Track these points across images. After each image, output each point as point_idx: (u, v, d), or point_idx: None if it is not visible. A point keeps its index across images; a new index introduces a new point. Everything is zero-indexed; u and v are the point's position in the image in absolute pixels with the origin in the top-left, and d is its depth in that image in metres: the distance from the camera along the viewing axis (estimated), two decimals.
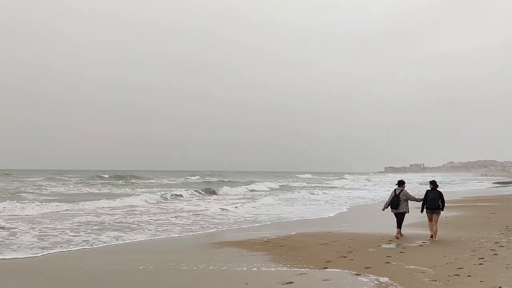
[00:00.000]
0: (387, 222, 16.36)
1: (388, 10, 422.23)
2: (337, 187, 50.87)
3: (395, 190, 13.06)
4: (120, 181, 56.24)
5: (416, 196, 13.44)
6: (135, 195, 30.06)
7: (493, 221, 16.27)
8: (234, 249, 11.07)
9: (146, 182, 55.54)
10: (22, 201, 22.77)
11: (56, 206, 21.32)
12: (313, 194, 36.86)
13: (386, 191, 39.72)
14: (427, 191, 12.54)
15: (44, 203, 22.52)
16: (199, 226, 15.96)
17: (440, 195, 12.31)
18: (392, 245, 11.24)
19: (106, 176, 63.43)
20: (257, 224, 16.88)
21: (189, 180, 63.54)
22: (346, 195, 37.00)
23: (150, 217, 18.36)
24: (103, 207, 21.88)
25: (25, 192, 33.68)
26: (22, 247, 11.35)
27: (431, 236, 12.12)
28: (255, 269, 8.81)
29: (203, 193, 34.61)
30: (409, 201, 12.92)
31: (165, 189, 39.00)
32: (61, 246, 11.60)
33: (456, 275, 7.81)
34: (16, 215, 17.87)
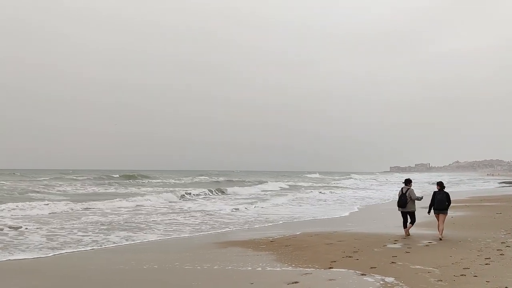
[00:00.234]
0: (392, 222, 16.32)
1: (389, 10, 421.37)
2: (346, 187, 50.57)
3: (402, 189, 13.20)
4: (130, 181, 56.26)
5: (418, 195, 13.43)
6: (151, 194, 30.22)
7: (499, 221, 16.19)
8: (239, 249, 11.08)
9: (158, 182, 55.04)
10: (32, 201, 22.85)
11: (72, 205, 21.34)
12: (324, 193, 36.71)
13: (395, 191, 39.59)
14: (435, 192, 12.67)
15: (55, 202, 22.35)
16: (210, 226, 15.90)
17: (447, 196, 12.47)
18: (397, 245, 11.21)
19: (116, 175, 63.04)
20: (268, 224, 16.75)
21: (196, 179, 63.18)
22: (356, 195, 36.74)
23: (161, 217, 18.22)
24: (120, 207, 22.10)
25: (33, 191, 33.43)
26: (30, 247, 11.34)
27: (440, 239, 12.14)
28: (259, 268, 8.81)
29: (216, 193, 34.40)
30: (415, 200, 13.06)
31: (178, 188, 38.87)
32: (70, 247, 11.63)
33: (462, 275, 7.78)
34: (26, 215, 17.81)
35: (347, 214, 20.92)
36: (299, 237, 12.82)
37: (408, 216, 12.98)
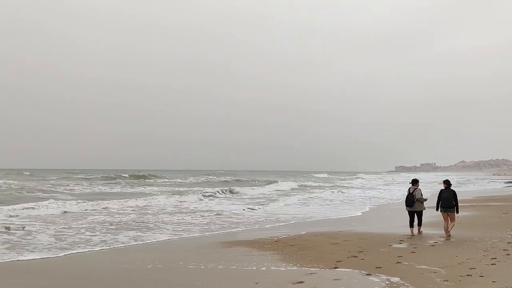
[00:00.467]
0: (398, 222, 16.29)
1: (389, 10, 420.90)
2: (355, 187, 50.38)
3: (409, 188, 13.39)
4: (140, 180, 56.33)
5: (423, 197, 13.52)
6: (166, 194, 30.43)
7: (505, 221, 16.09)
8: (244, 249, 11.07)
9: (169, 182, 55.05)
10: (42, 200, 22.96)
11: (84, 204, 21.47)
12: (335, 193, 36.59)
13: (403, 191, 39.43)
14: (441, 190, 12.83)
15: (68, 202, 22.42)
16: (219, 226, 15.84)
17: (454, 194, 12.54)
18: (403, 245, 11.17)
19: (125, 175, 62.61)
20: (279, 224, 16.66)
21: (203, 179, 62.81)
22: (366, 194, 36.54)
23: (170, 217, 18.18)
24: (136, 206, 22.49)
25: (44, 191, 33.49)
26: (38, 247, 11.33)
27: (447, 236, 12.22)
28: (264, 268, 8.80)
29: (228, 193, 34.18)
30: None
31: (195, 188, 39.00)
32: (79, 247, 11.67)
33: (468, 275, 7.73)
34: (35, 215, 17.80)
35: (359, 213, 20.90)
36: (304, 237, 12.80)
37: (416, 216, 13.08)
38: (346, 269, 8.46)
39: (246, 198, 30.43)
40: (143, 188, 40.48)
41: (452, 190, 12.65)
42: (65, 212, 19.28)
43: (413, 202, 13.04)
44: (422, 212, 13.16)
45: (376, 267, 8.50)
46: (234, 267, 8.96)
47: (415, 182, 13.46)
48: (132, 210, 20.67)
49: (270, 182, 53.15)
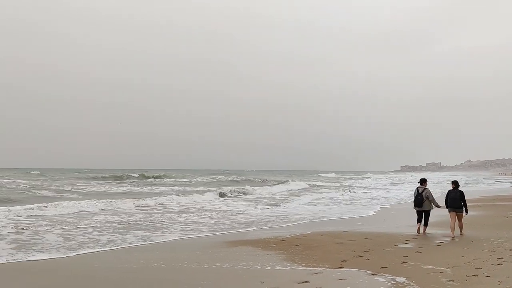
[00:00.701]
0: (404, 221, 16.25)
1: (389, 10, 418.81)
2: (365, 186, 50.20)
3: (417, 188, 13.46)
4: (152, 179, 56.37)
5: (436, 201, 13.59)
6: (181, 193, 30.49)
7: None
8: (249, 248, 11.07)
9: (179, 181, 54.92)
10: (53, 200, 23.05)
11: (93, 204, 21.41)
12: (346, 193, 36.53)
13: (413, 190, 39.25)
14: (449, 190, 12.98)
15: (81, 201, 22.18)
16: (229, 226, 15.80)
17: (461, 194, 12.68)
18: (409, 245, 11.13)
19: (136, 175, 62.16)
20: (291, 224, 16.60)
21: (209, 178, 62.75)
22: (376, 194, 36.22)
23: (178, 217, 18.11)
24: (157, 204, 22.91)
25: (55, 190, 33.48)
26: (45, 246, 11.33)
27: (452, 236, 12.29)
28: (269, 268, 8.79)
29: (240, 192, 33.87)
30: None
31: (204, 188, 39.02)
32: (88, 247, 11.70)
33: (474, 275, 7.69)
34: (44, 215, 17.80)
35: (372, 213, 20.88)
36: (309, 237, 12.78)
37: (423, 216, 13.14)
38: (351, 269, 8.43)
39: (257, 198, 30.25)
40: (155, 188, 40.46)
41: (460, 190, 12.78)
42: (79, 211, 19.23)
43: (422, 202, 13.10)
44: (429, 212, 13.22)
45: (382, 267, 8.47)
46: (239, 266, 8.96)
47: (423, 181, 13.50)
48: (151, 210, 20.73)
49: (280, 182, 53.03)
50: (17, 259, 9.80)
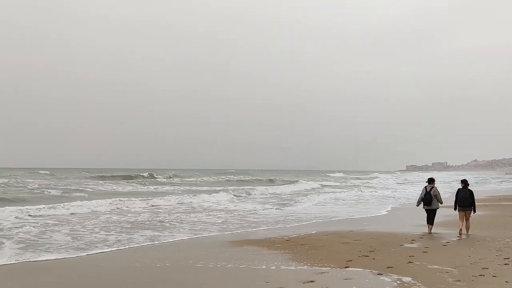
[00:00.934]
0: (410, 221, 16.20)
1: (389, 10, 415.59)
2: (374, 186, 50.07)
3: (425, 187, 13.59)
4: (164, 179, 56.57)
5: (441, 199, 13.69)
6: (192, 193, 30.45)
7: None
8: (254, 248, 11.06)
9: (188, 180, 54.95)
10: (62, 200, 23.10)
11: (105, 203, 21.43)
12: (357, 192, 36.51)
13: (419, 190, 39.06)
14: (458, 189, 13.08)
15: (94, 201, 22.14)
16: (239, 225, 15.79)
17: (471, 193, 12.79)
18: (414, 245, 11.09)
19: (145, 174, 61.95)
20: (301, 223, 16.51)
21: (215, 178, 62.47)
22: (386, 194, 36.20)
23: (194, 216, 18.15)
24: (179, 203, 23.26)
25: (62, 189, 33.47)
26: (53, 246, 11.33)
27: (460, 234, 12.42)
28: (274, 267, 8.78)
29: (250, 192, 33.57)
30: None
31: (216, 187, 39.07)
32: (96, 247, 11.74)
33: (481, 275, 7.65)
34: (55, 215, 17.74)
35: (384, 212, 20.89)
36: (314, 236, 12.76)
37: (430, 215, 13.32)
38: (357, 269, 8.41)
39: (268, 198, 30.14)
40: (168, 187, 40.56)
41: (469, 189, 12.88)
42: (92, 211, 19.18)
43: (431, 200, 13.26)
44: (436, 210, 13.38)
45: (388, 267, 8.44)
46: (243, 266, 8.96)
47: (431, 181, 13.66)
48: (160, 209, 20.73)
49: (290, 182, 52.96)
50: (25, 259, 9.78)
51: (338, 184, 54.56)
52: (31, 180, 44.70)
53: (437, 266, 8.42)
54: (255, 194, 32.22)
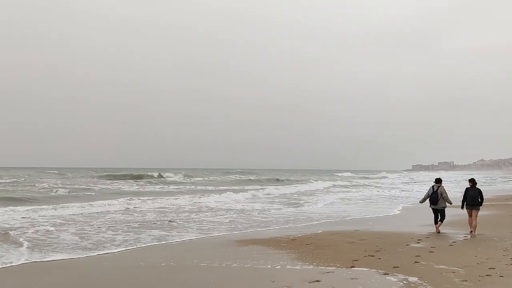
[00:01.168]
0: (416, 221, 16.14)
1: (389, 10, 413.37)
2: (383, 186, 49.90)
3: (433, 186, 13.72)
4: (169, 178, 56.81)
5: (449, 198, 13.76)
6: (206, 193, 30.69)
7: None
8: (260, 247, 11.06)
9: (196, 180, 54.93)
10: (72, 199, 23.19)
11: (115, 203, 21.56)
12: (368, 192, 36.42)
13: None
14: (467, 188, 13.17)
15: (108, 201, 22.39)
16: (248, 225, 15.75)
17: (480, 192, 12.91)
18: (421, 245, 11.05)
19: (155, 174, 61.62)
20: (312, 223, 16.49)
21: (230, 178, 62.51)
22: (395, 193, 36.04)
23: (199, 216, 18.20)
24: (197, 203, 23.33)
25: (72, 189, 33.69)
26: (60, 246, 11.36)
27: (471, 232, 12.58)
28: (279, 267, 8.78)
29: (260, 191, 33.53)
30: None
31: (224, 187, 39.20)
32: (104, 247, 11.80)
33: (487, 275, 7.61)
34: (66, 214, 17.77)
35: (397, 212, 20.83)
36: (320, 236, 12.75)
37: (439, 213, 13.42)
38: (363, 268, 8.39)
39: (278, 197, 30.08)
40: (178, 186, 40.73)
41: (478, 188, 12.99)
42: (104, 211, 19.16)
43: (438, 200, 13.38)
44: (444, 210, 13.49)
45: (394, 267, 8.42)
46: (249, 265, 8.96)
47: (438, 181, 13.79)
48: (170, 209, 20.75)
49: (300, 181, 52.94)
50: (33, 259, 9.79)
51: (348, 183, 54.39)
52: (40, 179, 44.97)
53: (443, 266, 8.39)
54: (266, 194, 32.15)
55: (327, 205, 24.55)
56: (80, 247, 11.21)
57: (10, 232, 13.04)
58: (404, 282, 7.33)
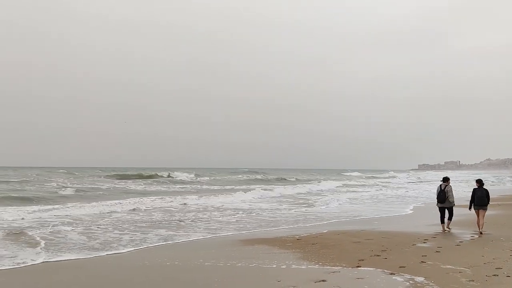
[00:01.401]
0: (422, 221, 16.08)
1: (389, 10, 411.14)
2: (392, 185, 49.73)
3: (440, 185, 13.87)
4: (177, 177, 56.97)
5: (453, 197, 13.85)
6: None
7: None
8: (265, 247, 11.08)
9: (203, 180, 54.93)
10: (81, 198, 23.27)
11: (124, 203, 21.56)
12: (378, 191, 36.44)
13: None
14: (474, 189, 13.24)
15: (120, 200, 22.49)
16: (256, 225, 15.76)
17: (487, 192, 13.03)
18: (427, 244, 11.02)
19: (165, 175, 61.36)
20: (322, 222, 16.47)
21: (239, 178, 62.46)
22: (405, 192, 35.92)
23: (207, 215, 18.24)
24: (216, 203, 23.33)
25: (80, 189, 33.73)
26: (67, 246, 11.39)
27: (480, 233, 12.64)
28: (284, 266, 8.79)
29: (269, 190, 33.45)
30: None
31: (232, 186, 39.34)
32: (111, 247, 11.86)
33: (494, 275, 7.58)
34: (74, 214, 17.82)
35: (410, 211, 20.80)
36: (326, 235, 12.74)
37: (447, 211, 13.58)
38: (369, 268, 8.38)
39: (286, 196, 30.09)
40: (188, 186, 40.84)
41: (485, 189, 13.07)
42: (111, 211, 19.10)
43: (445, 199, 13.53)
44: (452, 208, 13.61)
45: (400, 267, 8.40)
46: (254, 265, 8.98)
47: (446, 180, 13.92)
48: (178, 209, 20.77)
49: (310, 181, 52.94)
50: (41, 260, 9.80)
51: (356, 183, 54.27)
52: (48, 178, 45.26)
53: (450, 266, 8.36)
54: (275, 193, 32.13)
55: (338, 205, 24.46)
56: (88, 247, 11.25)
57: (18, 232, 13.15)
58: (411, 282, 7.31)
